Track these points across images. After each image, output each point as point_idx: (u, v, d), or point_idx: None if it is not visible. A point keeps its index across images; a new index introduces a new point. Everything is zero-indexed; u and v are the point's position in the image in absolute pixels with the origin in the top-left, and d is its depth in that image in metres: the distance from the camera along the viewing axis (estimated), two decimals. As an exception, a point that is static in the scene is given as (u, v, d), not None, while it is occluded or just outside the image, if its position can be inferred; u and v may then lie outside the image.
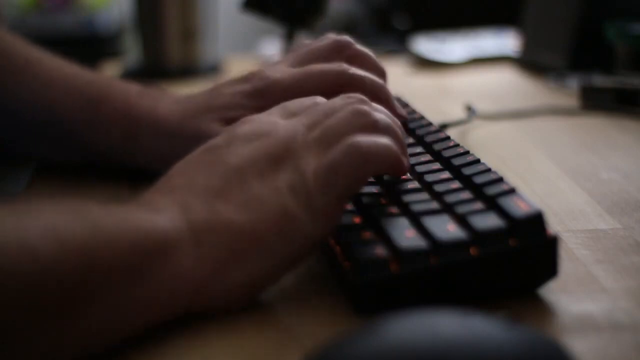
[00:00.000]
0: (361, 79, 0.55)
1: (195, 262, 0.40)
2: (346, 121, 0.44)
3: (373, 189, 0.47)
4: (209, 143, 0.45)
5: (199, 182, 0.42)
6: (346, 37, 0.59)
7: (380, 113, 0.45)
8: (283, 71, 0.57)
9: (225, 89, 0.59)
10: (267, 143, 0.43)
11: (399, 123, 0.47)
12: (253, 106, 0.57)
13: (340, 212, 0.43)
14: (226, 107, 0.58)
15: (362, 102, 0.46)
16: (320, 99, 0.48)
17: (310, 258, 0.45)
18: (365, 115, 0.44)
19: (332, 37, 0.60)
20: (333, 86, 0.54)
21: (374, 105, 0.46)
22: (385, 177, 0.49)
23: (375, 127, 0.44)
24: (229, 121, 0.57)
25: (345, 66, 0.56)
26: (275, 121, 0.45)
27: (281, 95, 0.55)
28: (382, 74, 0.59)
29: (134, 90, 0.64)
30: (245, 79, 0.59)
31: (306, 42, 0.62)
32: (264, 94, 0.57)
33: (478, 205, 0.43)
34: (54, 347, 0.36)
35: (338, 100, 0.46)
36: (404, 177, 0.48)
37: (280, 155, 0.43)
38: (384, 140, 0.43)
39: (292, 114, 0.46)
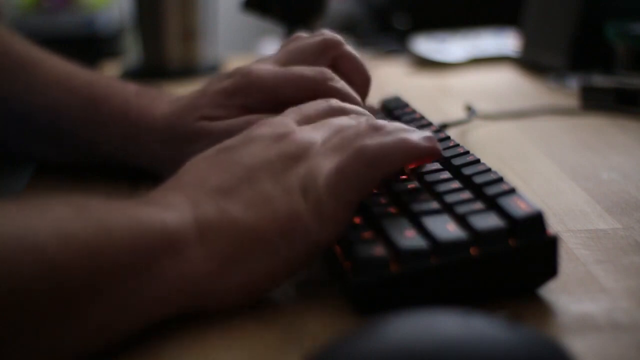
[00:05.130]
0: (336, 91, 0.55)
1: (200, 259, 0.40)
2: (362, 132, 0.44)
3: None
4: (225, 143, 0.45)
5: (210, 181, 0.42)
6: (336, 37, 0.59)
7: (393, 124, 0.46)
8: (265, 70, 0.57)
9: (211, 86, 0.60)
10: (282, 145, 0.44)
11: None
12: (233, 104, 0.57)
13: (348, 218, 0.42)
14: (209, 106, 0.58)
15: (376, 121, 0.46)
16: (335, 104, 0.49)
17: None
18: (380, 127, 0.45)
19: (323, 34, 0.59)
20: (308, 92, 0.54)
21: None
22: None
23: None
24: (213, 119, 0.57)
25: (325, 75, 0.55)
26: (291, 125, 0.46)
27: (260, 94, 0.56)
28: (365, 78, 0.59)
29: (133, 90, 0.64)
30: (229, 75, 0.59)
31: (300, 35, 0.61)
32: (243, 92, 0.57)
33: (478, 205, 0.43)
34: (59, 342, 0.36)
35: (354, 117, 0.47)
36: (403, 176, 0.48)
37: (294, 158, 0.43)
38: (394, 136, 0.43)
39: (306, 118, 0.47)
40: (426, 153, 0.45)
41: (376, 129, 0.44)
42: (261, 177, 0.42)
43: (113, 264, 0.37)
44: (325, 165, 0.43)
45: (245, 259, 0.41)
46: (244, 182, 0.42)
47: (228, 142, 0.45)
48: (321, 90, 0.54)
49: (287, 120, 0.47)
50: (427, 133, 0.45)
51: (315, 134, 0.45)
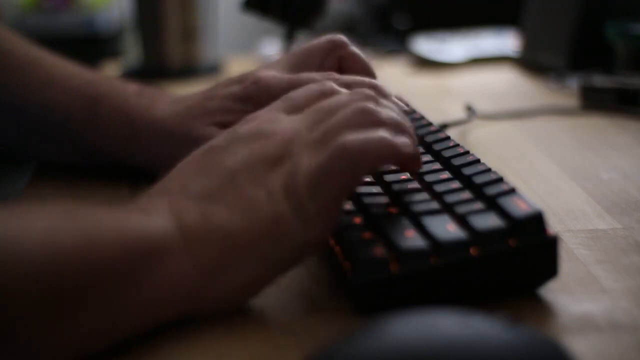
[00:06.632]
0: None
1: (186, 265, 0.40)
2: (347, 121, 0.43)
3: (373, 189, 0.47)
4: (210, 144, 0.45)
5: (194, 185, 0.42)
6: (341, 37, 0.59)
7: (387, 109, 0.44)
8: (275, 77, 0.57)
9: (219, 90, 0.59)
10: (265, 145, 0.43)
11: (407, 120, 0.46)
12: (244, 110, 0.56)
13: (335, 215, 0.42)
14: (218, 111, 0.58)
15: (370, 98, 0.45)
16: (328, 87, 0.47)
17: (310, 258, 0.45)
18: (369, 114, 0.43)
19: (327, 36, 0.60)
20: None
21: (383, 101, 0.45)
22: (389, 178, 0.49)
23: (379, 125, 0.43)
24: (222, 125, 0.57)
25: (330, 84, 0.50)
26: (277, 119, 0.45)
27: (270, 102, 0.55)
28: (371, 77, 0.59)
29: (133, 89, 0.64)
30: (238, 80, 0.59)
31: (305, 45, 0.62)
32: (254, 99, 0.57)
33: (478, 205, 0.43)
34: (47, 350, 0.36)
35: (344, 97, 0.45)
36: (403, 176, 0.48)
37: (277, 158, 0.42)
38: (376, 134, 0.42)
39: (296, 107, 0.46)
40: (405, 158, 0.44)
41: (367, 113, 0.43)
42: (244, 181, 0.42)
43: (99, 270, 0.37)
44: (306, 163, 0.42)
45: (231, 264, 0.40)
46: (227, 186, 0.42)
47: (213, 143, 0.45)
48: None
49: (273, 114, 0.46)
50: (408, 140, 0.44)
51: (300, 124, 0.44)
